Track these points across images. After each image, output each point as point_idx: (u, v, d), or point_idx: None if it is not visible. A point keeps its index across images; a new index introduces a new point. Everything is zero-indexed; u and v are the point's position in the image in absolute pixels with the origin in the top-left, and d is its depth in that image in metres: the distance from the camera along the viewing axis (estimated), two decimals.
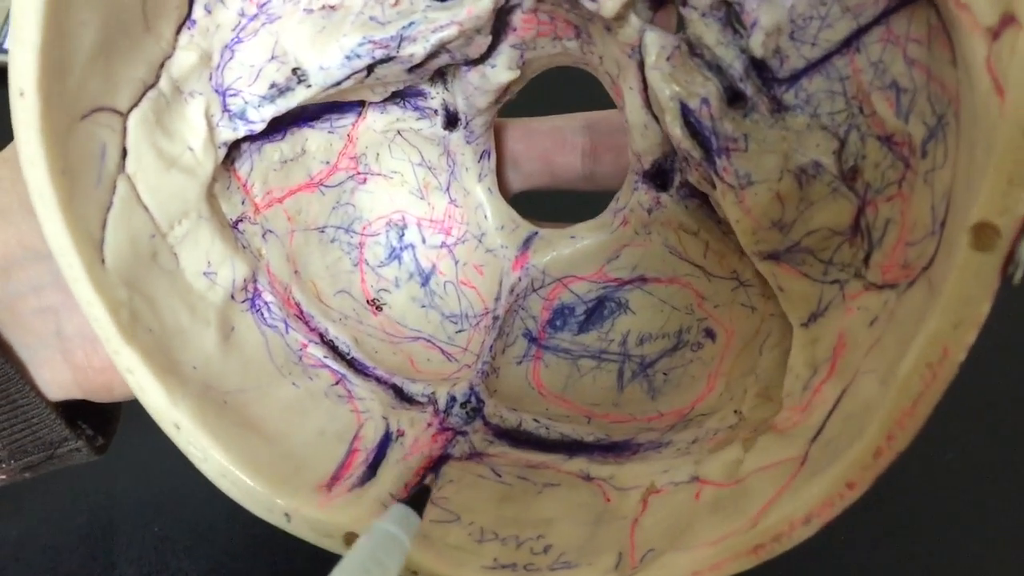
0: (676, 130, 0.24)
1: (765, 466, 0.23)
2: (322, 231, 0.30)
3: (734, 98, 0.25)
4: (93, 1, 0.22)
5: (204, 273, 0.27)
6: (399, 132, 0.30)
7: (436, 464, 0.27)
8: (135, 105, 0.25)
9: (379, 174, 0.31)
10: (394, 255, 0.32)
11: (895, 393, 0.18)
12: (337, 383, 0.29)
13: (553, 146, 0.31)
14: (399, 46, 0.26)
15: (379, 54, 0.26)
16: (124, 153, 0.25)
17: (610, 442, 0.27)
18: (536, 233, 0.31)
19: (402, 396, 0.29)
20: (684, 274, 0.30)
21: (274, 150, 0.29)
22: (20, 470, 0.28)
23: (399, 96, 0.30)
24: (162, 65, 0.25)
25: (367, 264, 0.31)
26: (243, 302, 0.28)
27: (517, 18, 0.26)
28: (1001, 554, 0.38)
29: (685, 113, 0.24)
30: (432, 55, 0.26)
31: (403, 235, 0.32)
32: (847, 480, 0.19)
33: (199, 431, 0.24)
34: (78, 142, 0.23)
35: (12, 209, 0.26)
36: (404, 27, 0.25)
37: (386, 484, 0.26)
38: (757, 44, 0.24)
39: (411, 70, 0.27)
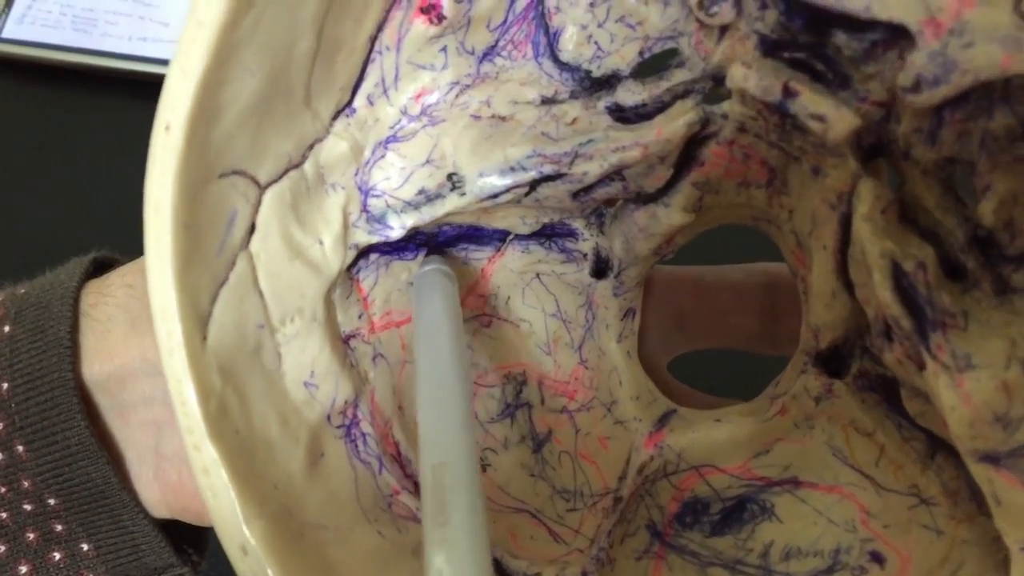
0: (885, 293, 0.21)
1: None
2: None
3: (951, 271, 0.21)
4: (264, 50, 0.20)
5: (305, 383, 0.23)
6: (538, 275, 0.27)
7: None
8: (275, 181, 0.22)
9: (506, 320, 0.28)
10: (507, 412, 0.28)
11: None
12: None
13: (729, 304, 0.28)
14: (572, 163, 0.23)
15: (547, 169, 0.23)
16: (252, 229, 0.22)
17: None
18: (675, 411, 0.27)
19: (501, 572, 0.24)
20: (848, 483, 0.25)
21: (403, 269, 0.26)
22: None
23: (546, 235, 0.27)
24: (311, 147, 0.23)
25: (476, 418, 0.27)
26: (339, 427, 0.24)
27: (708, 152, 0.23)
28: None
29: (897, 275, 0.21)
30: (604, 181, 0.24)
31: (521, 392, 0.28)
32: None
33: (269, 560, 0.20)
34: (210, 201, 0.20)
35: (142, 320, 0.25)
36: (580, 144, 0.23)
37: None
38: (987, 212, 0.21)
39: (576, 195, 0.24)
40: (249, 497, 0.20)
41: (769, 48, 0.21)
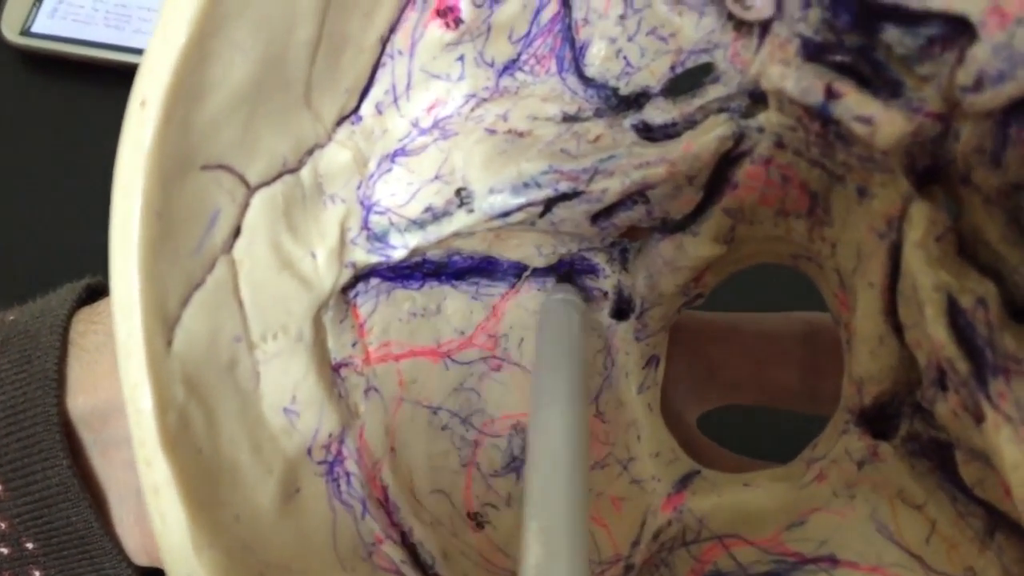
0: (939, 330, 0.18)
1: None
2: (435, 412, 0.24)
3: (1015, 312, 0.19)
4: (258, 31, 0.18)
5: (285, 410, 0.21)
6: None
7: None
8: (266, 183, 0.20)
9: (517, 364, 0.26)
10: (513, 466, 0.25)
11: None
12: None
13: (766, 354, 0.25)
14: (591, 180, 0.21)
15: (564, 187, 0.21)
16: (237, 232, 0.20)
17: None
18: (699, 472, 0.24)
19: None
20: (893, 563, 0.22)
21: (406, 298, 0.24)
22: None
23: (564, 273, 0.25)
24: (310, 152, 0.21)
25: (478, 469, 0.25)
26: (320, 463, 0.22)
27: (742, 172, 0.21)
28: None
29: (953, 312, 0.18)
30: (626, 204, 0.22)
31: None
32: None
33: None
34: (189, 193, 0.19)
35: None
36: (601, 160, 0.21)
37: None
38: None
39: (596, 219, 0.22)
40: (203, 524, 0.18)
41: (812, 53, 0.19)
